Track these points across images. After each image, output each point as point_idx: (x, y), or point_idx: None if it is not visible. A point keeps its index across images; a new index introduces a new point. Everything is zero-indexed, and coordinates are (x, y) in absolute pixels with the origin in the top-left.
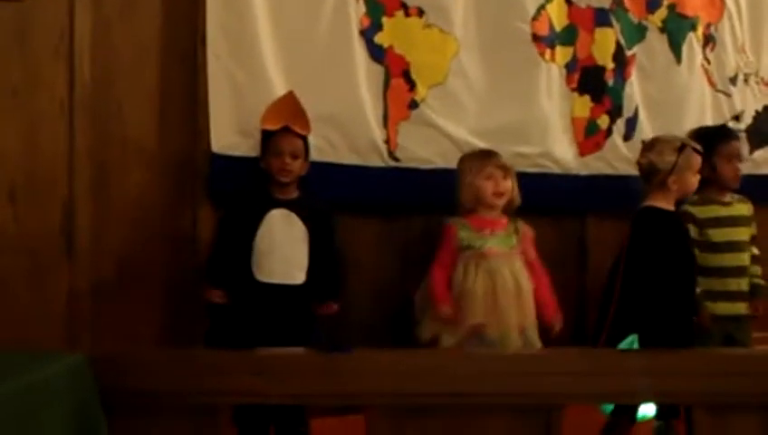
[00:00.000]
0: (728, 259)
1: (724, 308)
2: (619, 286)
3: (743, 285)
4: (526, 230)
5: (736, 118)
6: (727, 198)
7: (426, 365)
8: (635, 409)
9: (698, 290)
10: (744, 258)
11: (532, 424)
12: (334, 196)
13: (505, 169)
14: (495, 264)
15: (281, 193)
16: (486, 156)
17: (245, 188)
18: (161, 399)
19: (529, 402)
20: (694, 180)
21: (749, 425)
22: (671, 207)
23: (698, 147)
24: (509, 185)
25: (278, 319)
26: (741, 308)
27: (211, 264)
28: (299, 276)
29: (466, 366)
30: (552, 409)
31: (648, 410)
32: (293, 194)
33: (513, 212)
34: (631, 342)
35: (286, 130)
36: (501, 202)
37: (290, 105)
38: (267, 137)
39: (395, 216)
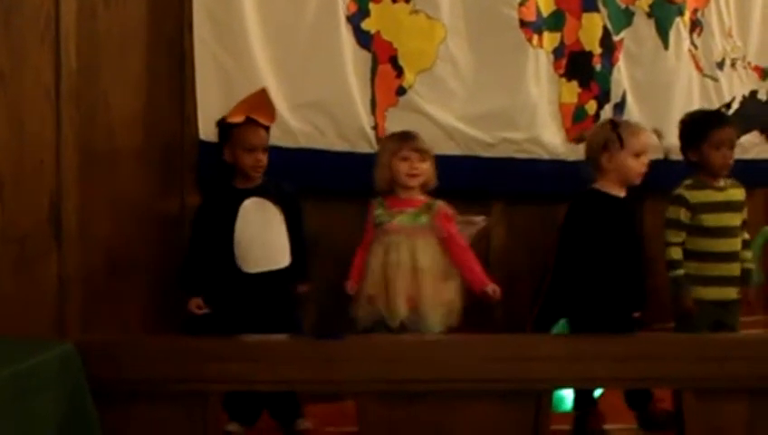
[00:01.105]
0: (720, 244)
1: (715, 293)
2: (551, 267)
3: (734, 270)
4: (441, 208)
5: (727, 106)
6: (721, 182)
7: (416, 351)
8: (591, 395)
9: (681, 273)
10: (736, 243)
11: (522, 408)
12: (323, 182)
13: (422, 152)
14: (394, 239)
15: (247, 183)
16: (404, 138)
17: (213, 184)
18: (151, 386)
19: (519, 387)
20: (631, 162)
21: (738, 409)
22: (618, 192)
23: (637, 128)
24: (425, 167)
25: (268, 306)
26: (732, 293)
27: (186, 270)
28: (283, 260)
29: (456, 352)
30: (542, 393)
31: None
32: (258, 181)
33: (431, 192)
34: (562, 326)
35: (252, 122)
36: (414, 183)
37: (258, 98)
38: (229, 129)
39: None
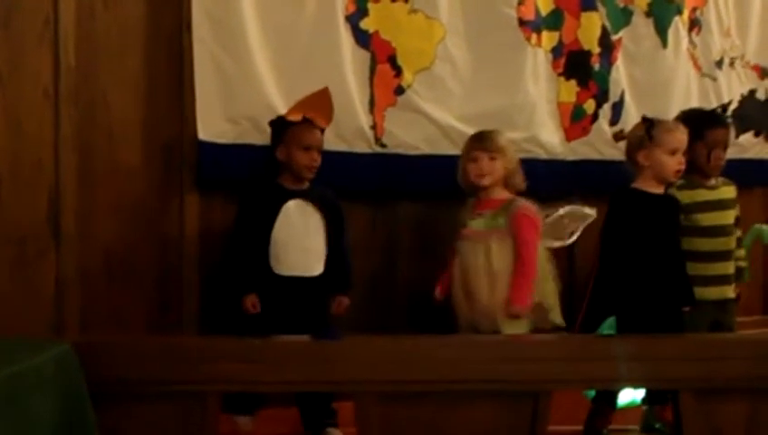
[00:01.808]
0: (715, 243)
1: (712, 293)
2: (596, 268)
3: (730, 268)
4: (522, 208)
5: (724, 109)
6: (712, 181)
7: (415, 352)
8: (615, 395)
9: None
10: (730, 242)
11: (521, 410)
12: (322, 182)
13: (492, 151)
14: (469, 244)
15: (294, 184)
16: (473, 139)
17: (256, 180)
18: (149, 386)
19: (518, 388)
20: (666, 159)
21: (737, 409)
22: (656, 190)
23: (673, 126)
24: (495, 166)
25: (296, 312)
26: (728, 292)
27: (233, 268)
28: (317, 268)
29: (456, 353)
30: (541, 394)
31: (636, 395)
32: (305, 185)
33: (516, 192)
34: (609, 325)
35: (308, 122)
36: (484, 183)
37: (319, 98)
38: (285, 127)
39: (382, 202)
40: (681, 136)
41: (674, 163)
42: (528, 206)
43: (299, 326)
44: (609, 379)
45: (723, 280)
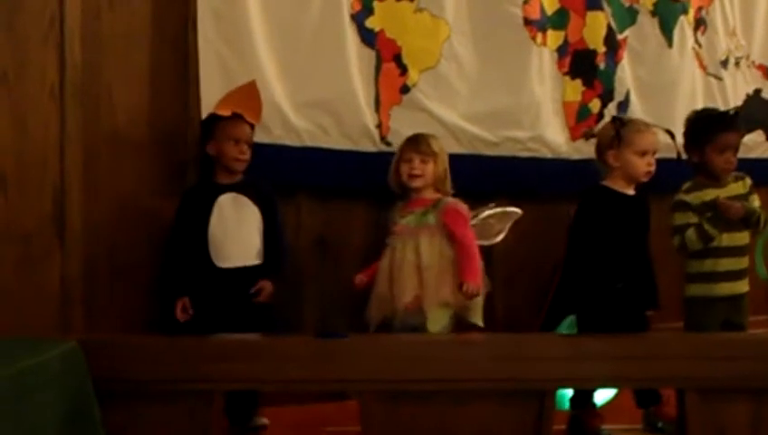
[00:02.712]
0: (726, 239)
1: (724, 289)
2: (560, 265)
3: (743, 263)
4: (451, 205)
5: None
6: (719, 180)
7: (419, 351)
8: (590, 393)
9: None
10: (743, 237)
11: (526, 408)
12: (327, 180)
13: (425, 154)
14: (399, 240)
15: (227, 178)
16: (408, 141)
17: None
18: (154, 385)
19: (522, 387)
20: (636, 160)
21: (742, 409)
22: (626, 190)
23: (643, 127)
24: (427, 168)
25: (239, 303)
26: (741, 287)
27: (168, 272)
28: (257, 257)
29: (459, 352)
30: (545, 393)
31: (605, 394)
32: (238, 178)
33: (448, 193)
34: (569, 324)
35: (238, 117)
36: (416, 184)
37: (249, 93)
38: (214, 123)
39: (387, 200)
40: (651, 137)
41: (643, 164)
42: (457, 201)
43: (245, 318)
44: (615, 378)
45: (735, 275)
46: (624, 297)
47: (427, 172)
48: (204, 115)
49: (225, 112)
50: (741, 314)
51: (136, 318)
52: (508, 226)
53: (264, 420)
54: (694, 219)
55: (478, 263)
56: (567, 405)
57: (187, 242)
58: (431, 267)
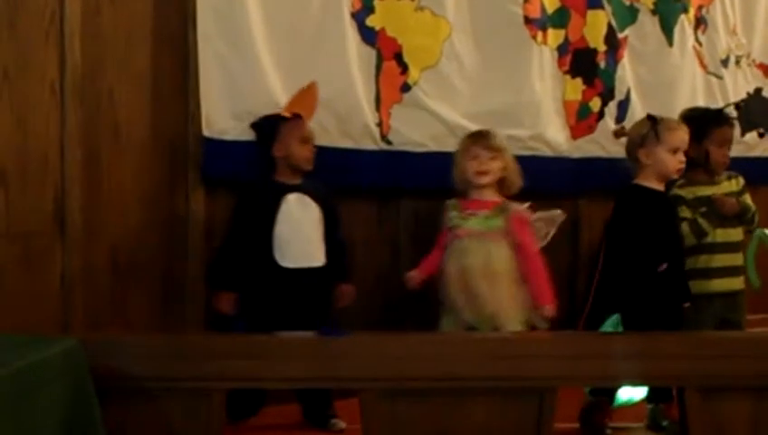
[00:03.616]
0: (720, 235)
1: (719, 285)
2: (600, 265)
3: (736, 260)
4: (518, 213)
5: (737, 106)
6: (714, 177)
7: (420, 349)
8: (614, 391)
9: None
10: (736, 233)
11: (526, 407)
12: (327, 179)
13: (494, 150)
14: (468, 244)
15: (289, 179)
16: (476, 136)
17: (250, 178)
18: (154, 383)
19: (523, 385)
20: (667, 157)
21: (742, 407)
22: (658, 187)
23: (675, 124)
24: (495, 165)
25: (304, 303)
26: (736, 283)
27: (220, 266)
28: (321, 258)
29: (461, 350)
30: (545, 391)
31: (635, 393)
32: (299, 179)
33: (511, 194)
34: (614, 322)
35: (300, 117)
36: (484, 181)
37: (310, 93)
38: (277, 124)
39: (387, 199)
40: (683, 135)
41: (675, 161)
42: (522, 209)
43: (307, 318)
44: (615, 376)
45: (730, 272)
46: (662, 288)
47: (493, 169)
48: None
49: (286, 114)
50: (737, 312)
51: (136, 316)
52: (554, 229)
53: (342, 423)
54: (687, 214)
55: (548, 279)
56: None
57: (249, 241)
58: (504, 274)
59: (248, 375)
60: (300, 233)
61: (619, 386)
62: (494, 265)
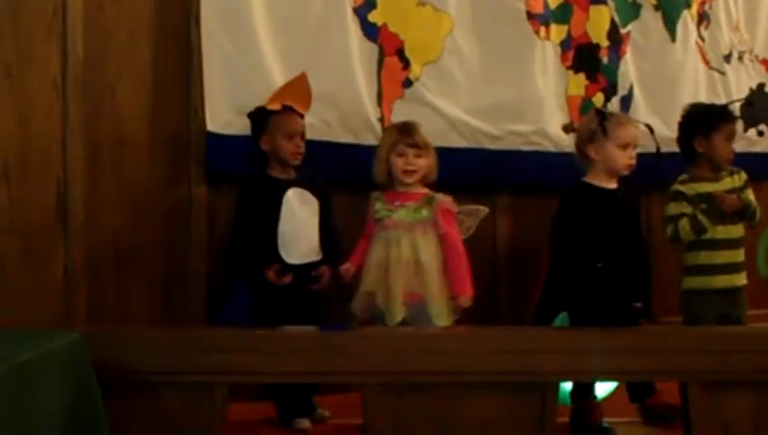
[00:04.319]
0: (721, 232)
1: (721, 281)
2: (546, 263)
3: (739, 256)
4: (443, 203)
5: (749, 102)
6: (716, 172)
7: (422, 343)
8: (592, 389)
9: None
10: (737, 230)
11: (528, 402)
12: (329, 174)
13: (419, 148)
14: (394, 235)
15: (284, 173)
16: (401, 132)
17: (248, 172)
18: (157, 377)
19: (525, 380)
20: (617, 153)
21: (745, 402)
22: (607, 184)
23: (625, 120)
24: (421, 163)
25: (310, 297)
26: (738, 280)
27: (242, 252)
28: (319, 253)
29: (462, 344)
30: (548, 386)
31: (606, 387)
32: (293, 173)
33: (431, 186)
34: (562, 320)
35: (290, 110)
36: (411, 180)
37: (297, 85)
38: (266, 117)
39: None
40: (633, 130)
41: (625, 157)
42: (448, 200)
43: (314, 311)
44: (618, 371)
45: (732, 268)
46: (607, 285)
47: (420, 166)
48: (207, 108)
49: (276, 106)
50: (739, 308)
51: (139, 310)
52: (476, 223)
53: (305, 423)
54: (688, 209)
55: (469, 270)
56: (568, 399)
57: (255, 237)
58: (430, 264)
59: (251, 369)
60: (303, 230)
61: (593, 384)
62: (421, 257)
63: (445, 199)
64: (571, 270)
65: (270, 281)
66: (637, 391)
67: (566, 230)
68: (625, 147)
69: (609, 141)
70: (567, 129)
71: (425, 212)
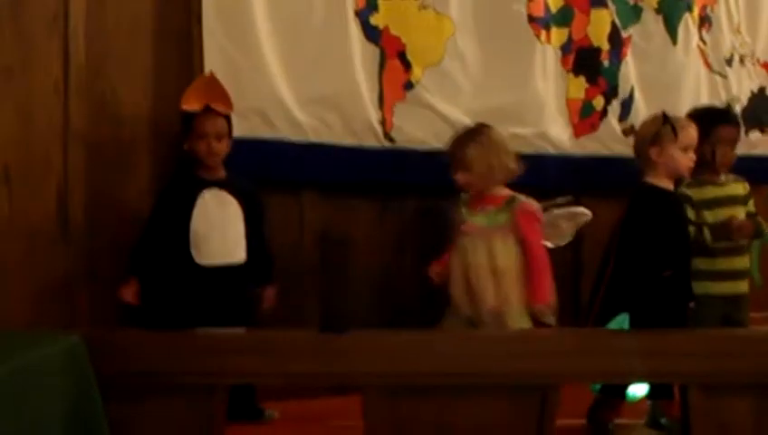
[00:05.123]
0: (724, 240)
1: (724, 288)
2: (612, 263)
3: (743, 263)
4: (523, 206)
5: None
6: (722, 178)
7: (422, 346)
8: (624, 387)
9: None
10: None
11: (529, 404)
12: (330, 176)
13: (457, 167)
14: (471, 241)
15: (208, 174)
16: (450, 147)
17: (173, 173)
18: (157, 379)
19: (525, 383)
20: (679, 156)
21: (745, 405)
22: (668, 186)
23: (686, 123)
24: (466, 177)
25: (220, 301)
26: (741, 287)
27: (136, 253)
28: (239, 255)
29: (463, 347)
30: (548, 389)
31: (637, 389)
32: (221, 174)
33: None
34: (621, 321)
35: (208, 110)
36: (466, 193)
37: (210, 85)
38: (189, 119)
39: (390, 196)
40: (693, 133)
41: (686, 159)
42: (530, 203)
43: (224, 316)
44: (617, 373)
45: (735, 275)
46: (672, 289)
47: (467, 180)
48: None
49: (193, 107)
50: (741, 312)
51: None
52: (577, 228)
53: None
54: (691, 214)
55: (549, 277)
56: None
57: (166, 237)
58: (509, 271)
59: (250, 371)
60: (216, 230)
61: (626, 384)
62: (497, 262)
63: (525, 201)
64: (638, 273)
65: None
66: (656, 389)
67: (637, 232)
68: (686, 149)
69: (671, 144)
70: (627, 132)
71: (504, 216)
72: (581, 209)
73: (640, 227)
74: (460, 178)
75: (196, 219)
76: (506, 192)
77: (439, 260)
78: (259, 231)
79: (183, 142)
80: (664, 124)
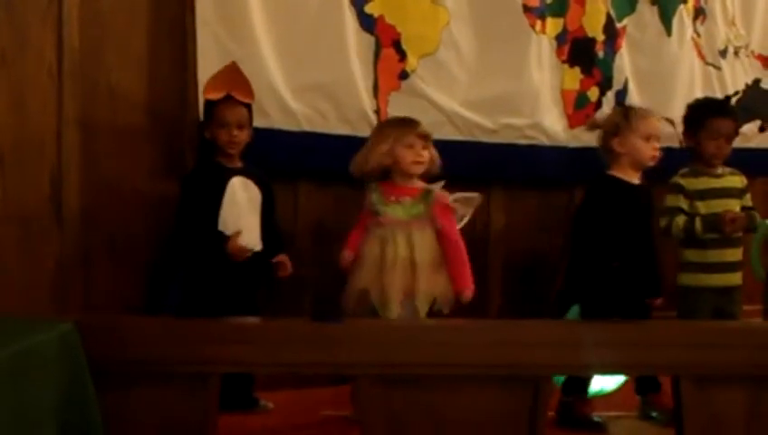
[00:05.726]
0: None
1: (716, 279)
2: (567, 255)
3: (736, 255)
4: (439, 198)
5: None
6: (719, 170)
7: (415, 336)
8: (586, 382)
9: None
10: None
11: (521, 394)
12: (324, 165)
13: (425, 139)
14: (389, 232)
15: (229, 162)
16: (408, 124)
17: (196, 161)
18: (151, 367)
19: (517, 373)
20: (641, 145)
21: (737, 397)
22: (632, 177)
23: (647, 112)
24: (427, 154)
25: (243, 287)
26: (734, 279)
27: (179, 242)
28: (260, 243)
29: (456, 337)
30: (540, 379)
31: (606, 383)
32: (239, 163)
33: (432, 179)
34: (574, 313)
35: (229, 99)
36: (419, 171)
37: (232, 74)
38: (210, 107)
39: None
40: (655, 122)
41: (649, 148)
42: (445, 194)
43: (246, 300)
44: (610, 364)
45: (727, 267)
46: (623, 280)
47: (427, 159)
48: (202, 98)
49: (215, 96)
50: (733, 305)
51: (133, 299)
52: (471, 211)
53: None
54: (684, 204)
55: (468, 264)
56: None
57: (197, 224)
58: (425, 262)
59: (244, 360)
60: (244, 217)
61: (590, 378)
62: (416, 255)
63: (441, 193)
64: (589, 265)
65: (230, 254)
66: (642, 384)
67: (589, 225)
68: (648, 138)
69: (632, 134)
70: (590, 126)
71: (421, 208)
72: (474, 194)
73: (592, 217)
74: (425, 155)
75: (227, 206)
76: (421, 184)
77: (349, 246)
78: (274, 218)
79: (204, 130)
80: (621, 115)
